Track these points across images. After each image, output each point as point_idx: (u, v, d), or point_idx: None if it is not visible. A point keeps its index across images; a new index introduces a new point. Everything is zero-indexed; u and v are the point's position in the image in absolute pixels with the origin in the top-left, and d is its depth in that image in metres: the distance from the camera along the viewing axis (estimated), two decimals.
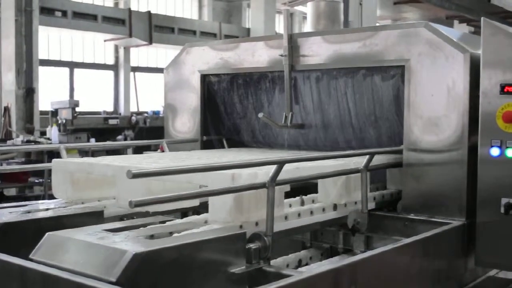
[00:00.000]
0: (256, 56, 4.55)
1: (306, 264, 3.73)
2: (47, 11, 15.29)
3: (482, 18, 3.57)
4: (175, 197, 2.71)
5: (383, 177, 4.12)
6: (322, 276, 2.50)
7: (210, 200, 2.93)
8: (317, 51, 4.22)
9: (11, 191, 11.29)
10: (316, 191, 3.62)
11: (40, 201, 3.73)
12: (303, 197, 3.64)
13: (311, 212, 3.41)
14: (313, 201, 3.64)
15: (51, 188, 3.61)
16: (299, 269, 3.44)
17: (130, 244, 2.37)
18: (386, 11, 20.41)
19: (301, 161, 3.20)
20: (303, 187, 3.70)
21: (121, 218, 3.40)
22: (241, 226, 2.88)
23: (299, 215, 3.32)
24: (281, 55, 4.31)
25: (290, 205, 3.47)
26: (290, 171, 3.07)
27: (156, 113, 18.47)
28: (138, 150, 8.93)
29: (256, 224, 2.97)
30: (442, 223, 3.56)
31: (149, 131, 17.08)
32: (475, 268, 3.71)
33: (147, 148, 13.99)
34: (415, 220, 3.73)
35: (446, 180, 3.65)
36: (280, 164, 2.83)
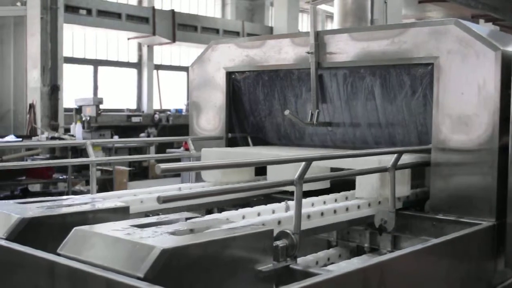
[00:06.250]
0: (282, 53, 4.51)
1: (332, 263, 3.69)
2: (71, 9, 15.45)
3: None
4: (201, 194, 2.79)
5: None
6: (350, 275, 2.45)
7: (357, 180, 3.58)
8: (344, 49, 4.17)
9: (35, 187, 11.41)
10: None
11: (65, 197, 3.75)
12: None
13: (347, 209, 3.48)
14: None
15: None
16: (327, 267, 3.40)
17: (157, 240, 2.36)
18: (410, 10, 20.22)
19: (329, 159, 3.17)
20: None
21: (146, 214, 3.39)
22: (379, 202, 3.60)
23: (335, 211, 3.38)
24: (308, 53, 4.27)
25: (313, 204, 3.45)
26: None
27: (178, 111, 18.57)
28: (162, 147, 8.97)
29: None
30: (472, 224, 3.49)
31: (171, 129, 17.18)
32: (504, 270, 3.64)
33: (170, 146, 14.08)
34: (444, 221, 3.67)
35: (476, 180, 3.58)
36: (308, 161, 2.80)
